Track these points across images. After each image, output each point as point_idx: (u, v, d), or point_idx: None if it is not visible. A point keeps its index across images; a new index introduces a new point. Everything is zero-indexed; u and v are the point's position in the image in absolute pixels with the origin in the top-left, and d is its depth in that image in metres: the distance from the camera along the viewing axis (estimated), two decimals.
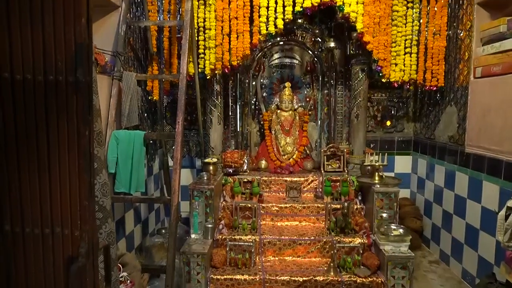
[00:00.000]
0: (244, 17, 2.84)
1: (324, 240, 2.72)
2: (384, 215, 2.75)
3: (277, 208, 3.02)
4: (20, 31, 0.87)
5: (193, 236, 2.72)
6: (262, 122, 3.71)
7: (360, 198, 3.06)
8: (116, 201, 2.53)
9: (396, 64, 3.05)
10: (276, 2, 2.78)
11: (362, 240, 2.69)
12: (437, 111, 3.24)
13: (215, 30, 2.90)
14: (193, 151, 3.79)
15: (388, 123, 3.72)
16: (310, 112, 3.74)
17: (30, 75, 0.87)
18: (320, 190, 3.18)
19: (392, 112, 3.71)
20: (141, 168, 2.60)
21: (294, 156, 3.53)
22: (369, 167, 3.02)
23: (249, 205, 2.94)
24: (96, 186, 1.22)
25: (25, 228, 0.91)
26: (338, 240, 2.69)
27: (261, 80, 3.76)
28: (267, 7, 2.79)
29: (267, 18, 2.81)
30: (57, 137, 0.88)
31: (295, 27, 3.46)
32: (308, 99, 3.77)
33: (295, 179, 3.27)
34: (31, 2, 0.86)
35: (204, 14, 2.93)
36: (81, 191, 0.90)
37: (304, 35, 3.58)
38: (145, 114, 3.26)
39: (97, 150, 1.21)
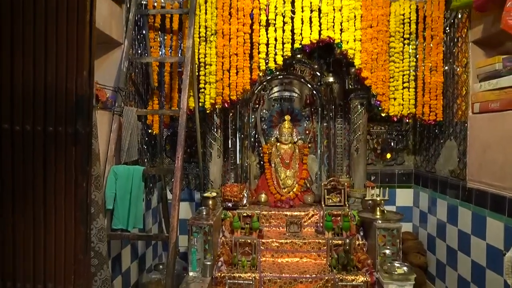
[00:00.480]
0: (244, 53, 2.89)
1: (326, 278, 2.64)
2: (387, 251, 2.69)
3: (277, 244, 2.95)
4: (22, 82, 0.87)
5: (191, 273, 2.64)
6: (261, 155, 3.70)
7: (362, 233, 3.01)
8: (113, 238, 2.47)
9: (394, 99, 3.08)
10: (275, 39, 2.85)
11: (365, 278, 2.61)
12: (437, 145, 3.24)
13: (216, 65, 2.95)
14: (192, 184, 3.75)
15: (388, 155, 3.71)
16: (309, 145, 3.75)
17: (30, 126, 0.87)
18: (321, 224, 3.13)
19: (392, 144, 3.71)
20: (139, 204, 2.56)
21: (294, 190, 3.49)
22: (370, 202, 2.98)
23: (249, 241, 2.87)
24: (93, 232, 1.20)
25: (16, 283, 0.87)
26: (340, 278, 2.61)
27: (261, 113, 3.79)
28: (267, 44, 2.85)
29: (267, 54, 2.86)
30: (54, 188, 0.87)
31: (294, 62, 3.52)
32: (307, 132, 3.79)
33: (296, 213, 3.23)
34: (35, 54, 0.87)
35: (205, 50, 2.99)
36: (76, 244, 0.87)
37: (303, 69, 3.64)
38: (145, 147, 3.26)
39: (95, 195, 1.19)
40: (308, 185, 3.63)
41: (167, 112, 3.09)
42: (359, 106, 3.27)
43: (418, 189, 3.60)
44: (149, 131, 3.26)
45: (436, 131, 3.24)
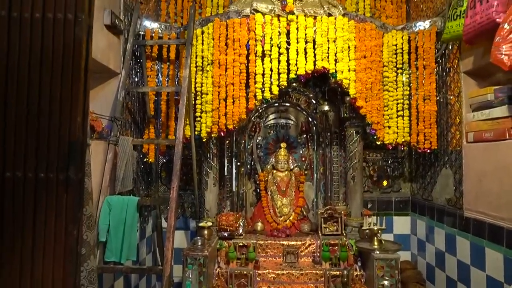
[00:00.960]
0: (240, 83, 2.92)
1: None
2: (386, 283, 2.64)
3: (274, 275, 2.89)
4: (15, 128, 0.86)
5: None
6: (258, 182, 3.68)
7: (359, 264, 2.96)
8: (105, 271, 2.40)
9: (389, 127, 3.11)
10: (271, 70, 2.89)
11: None
12: (432, 173, 3.25)
13: (212, 95, 2.97)
14: (188, 212, 3.71)
15: (385, 183, 3.70)
16: (306, 172, 3.74)
17: (21, 173, 0.85)
18: (318, 254, 3.07)
19: (388, 172, 3.71)
20: (133, 235, 2.51)
21: (291, 218, 3.46)
22: (367, 231, 2.95)
23: (245, 272, 2.81)
24: (83, 274, 1.16)
25: None
26: None
27: (257, 140, 3.80)
28: (263, 74, 2.89)
29: (263, 84, 2.89)
30: (43, 237, 0.85)
31: (289, 90, 3.56)
32: (303, 159, 3.78)
33: (292, 242, 3.18)
34: (28, 99, 0.87)
35: (202, 79, 3.02)
36: None
37: (298, 97, 3.68)
38: (140, 174, 3.23)
39: (87, 235, 1.17)
40: (304, 213, 3.59)
41: (163, 142, 3.08)
42: (354, 134, 3.28)
43: (415, 217, 3.57)
44: (145, 159, 3.24)
45: (432, 159, 3.25)
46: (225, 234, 3.13)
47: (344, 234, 3.16)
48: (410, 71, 3.17)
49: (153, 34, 3.13)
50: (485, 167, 2.50)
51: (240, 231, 3.22)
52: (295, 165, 3.67)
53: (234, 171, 3.57)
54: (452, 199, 2.90)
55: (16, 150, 0.86)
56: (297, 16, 2.90)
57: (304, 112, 3.73)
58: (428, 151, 3.10)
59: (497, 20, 2.10)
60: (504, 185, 2.29)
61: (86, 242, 1.15)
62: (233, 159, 3.57)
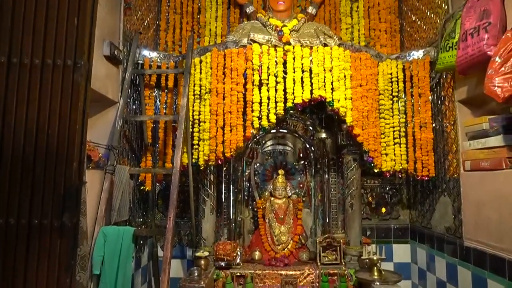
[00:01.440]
0: (238, 111, 2.94)
1: None
2: None
3: None
4: (9, 174, 0.86)
5: None
6: (255, 209, 3.64)
7: None
8: None
9: (386, 154, 3.11)
10: (268, 98, 2.91)
11: None
12: (431, 200, 3.23)
13: (210, 123, 2.98)
14: (185, 240, 3.65)
15: (383, 210, 3.68)
16: (304, 199, 3.71)
17: (14, 219, 0.84)
18: (317, 285, 3.01)
19: (386, 198, 3.69)
20: (128, 267, 2.46)
21: (289, 246, 3.40)
22: (367, 260, 2.90)
23: None
24: None
25: None
26: None
27: (255, 167, 3.78)
28: (260, 103, 2.91)
29: (260, 112, 2.91)
30: (35, 285, 0.82)
31: (287, 116, 3.58)
32: (301, 186, 3.77)
33: (291, 272, 3.11)
34: (25, 143, 0.86)
35: (199, 107, 3.04)
36: None
37: (295, 123, 3.70)
38: (136, 202, 3.20)
39: (80, 276, 1.14)
40: (303, 241, 3.54)
41: (160, 171, 3.07)
42: (352, 162, 3.29)
43: (415, 244, 3.53)
44: (142, 187, 3.21)
45: (430, 186, 3.25)
46: (222, 263, 3.07)
47: (343, 263, 3.10)
48: (405, 99, 3.21)
49: (151, 63, 3.18)
50: (484, 196, 2.49)
51: (238, 260, 3.17)
52: (293, 192, 3.65)
53: (231, 198, 3.54)
54: (451, 227, 2.87)
55: (10, 196, 0.85)
56: (293, 46, 2.95)
57: (301, 138, 3.74)
58: (426, 178, 3.09)
59: (488, 53, 2.15)
60: (503, 215, 2.27)
61: (79, 284, 1.12)
62: (231, 185, 3.55)
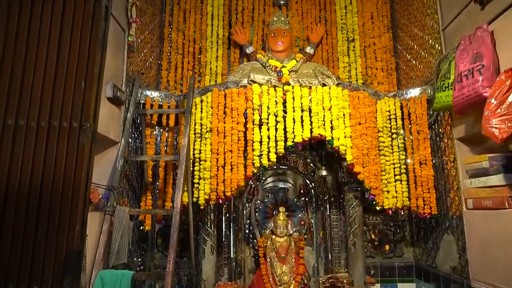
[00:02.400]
0: (239, 150, 2.96)
1: None
2: None
3: None
4: (11, 240, 0.85)
5: None
6: (256, 248, 3.57)
7: None
8: None
9: (388, 191, 3.10)
10: (268, 137, 2.94)
11: None
12: (434, 238, 3.18)
13: (210, 161, 2.99)
14: (184, 281, 3.55)
15: (387, 247, 3.61)
16: (305, 236, 3.65)
17: (13, 286, 0.82)
18: None
19: (389, 235, 3.63)
20: None
21: (291, 287, 3.30)
22: None
23: None
24: None
25: None
26: None
27: (255, 204, 3.75)
28: (260, 142, 2.94)
29: (261, 151, 2.93)
30: None
31: (287, 153, 3.60)
32: (302, 223, 3.72)
33: None
34: (27, 208, 0.86)
35: (200, 146, 3.06)
36: None
37: (296, 160, 3.71)
38: (135, 242, 3.14)
39: None
40: (305, 281, 3.44)
41: (160, 212, 3.04)
42: (353, 199, 3.27)
43: (421, 283, 3.44)
44: (141, 227, 3.17)
45: (433, 223, 3.21)
46: None
47: None
48: (404, 136, 3.24)
49: (153, 102, 3.23)
50: (488, 236, 2.45)
51: None
52: (294, 229, 3.58)
53: (232, 236, 3.48)
54: (457, 267, 2.81)
55: (11, 261, 0.84)
56: (293, 87, 3.02)
57: (302, 175, 3.74)
58: (429, 216, 3.06)
59: (484, 94, 2.20)
60: (509, 256, 2.23)
61: None
62: (231, 223, 3.50)
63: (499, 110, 2.04)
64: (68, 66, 0.86)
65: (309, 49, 3.77)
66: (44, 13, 0.90)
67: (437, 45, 3.08)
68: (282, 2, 4.07)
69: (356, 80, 3.82)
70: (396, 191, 3.11)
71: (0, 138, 0.85)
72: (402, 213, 3.28)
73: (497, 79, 2.12)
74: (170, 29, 3.99)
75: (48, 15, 0.91)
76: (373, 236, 3.65)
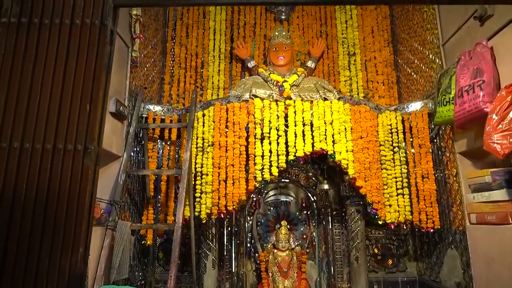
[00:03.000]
0: (240, 164, 2.96)
1: None
2: None
3: None
4: (15, 259, 0.85)
5: None
6: (258, 262, 3.55)
7: None
8: None
9: (390, 205, 3.09)
10: (270, 151, 2.94)
11: None
12: (438, 253, 3.15)
13: (212, 176, 2.99)
14: None
15: (390, 261, 3.57)
16: (307, 250, 3.63)
17: None
18: None
19: (392, 250, 3.60)
20: None
21: None
22: None
23: None
24: None
25: None
26: None
27: (257, 217, 3.74)
28: (262, 156, 2.94)
29: (262, 166, 2.93)
30: None
31: (288, 167, 3.60)
32: (304, 236, 3.70)
33: None
34: (32, 229, 0.86)
35: (202, 160, 3.06)
36: None
37: (298, 173, 3.71)
38: (136, 256, 3.12)
39: None
40: None
41: (162, 227, 3.03)
42: (355, 213, 3.25)
43: None
44: (143, 241, 3.16)
45: (436, 237, 3.18)
46: None
47: None
48: (406, 149, 3.24)
49: (155, 116, 3.24)
50: (492, 251, 2.43)
51: None
52: (296, 243, 3.56)
53: (233, 250, 3.46)
54: (461, 283, 2.78)
55: (14, 282, 0.84)
56: (294, 101, 3.04)
57: (304, 188, 3.73)
58: (432, 230, 3.04)
59: (485, 109, 2.21)
60: None
61: None
62: (233, 237, 3.48)
63: (500, 126, 2.04)
64: (74, 90, 0.87)
65: (310, 63, 3.80)
66: (51, 37, 0.92)
67: (437, 60, 3.11)
68: (283, 17, 4.12)
69: (357, 94, 3.84)
70: (398, 205, 3.09)
71: (6, 160, 0.86)
72: (405, 227, 3.26)
73: (498, 94, 2.13)
74: (173, 44, 4.04)
75: (55, 40, 0.93)
76: (376, 250, 3.62)
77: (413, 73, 3.60)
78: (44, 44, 0.94)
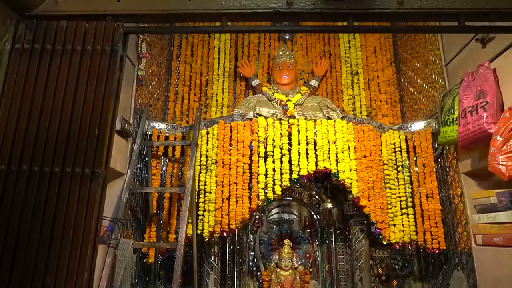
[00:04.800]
0: (244, 182, 2.96)
1: None
2: None
3: None
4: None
5: None
6: (260, 281, 3.50)
7: None
8: None
9: (394, 225, 3.06)
10: (274, 170, 2.94)
11: None
12: (444, 274, 3.10)
13: (215, 194, 2.99)
14: None
15: (394, 282, 3.51)
16: (311, 269, 3.58)
17: None
18: None
19: (397, 270, 3.54)
20: None
21: None
22: None
23: None
24: None
25: None
26: None
27: (260, 235, 3.70)
28: (265, 175, 2.94)
29: (266, 184, 2.92)
30: None
31: (292, 185, 3.58)
32: (307, 255, 3.65)
33: None
34: (36, 257, 0.86)
35: (205, 178, 3.06)
36: None
37: (301, 191, 3.69)
38: (138, 274, 3.09)
39: None
40: None
41: (164, 245, 3.01)
42: (359, 233, 3.22)
43: None
44: (144, 259, 3.13)
45: (441, 258, 3.13)
46: None
47: None
48: (410, 167, 3.23)
49: (160, 134, 3.27)
50: (500, 273, 2.39)
51: None
52: (299, 263, 3.52)
53: (236, 269, 3.42)
54: None
55: None
56: (298, 120, 3.06)
57: (307, 206, 3.70)
58: (437, 251, 2.99)
59: (489, 130, 2.21)
60: None
61: None
62: (235, 256, 3.45)
63: (505, 147, 2.04)
64: (83, 115, 0.89)
65: (313, 82, 3.83)
66: (62, 63, 0.94)
67: (440, 80, 3.13)
68: (287, 37, 4.18)
69: (361, 112, 3.86)
70: (403, 225, 3.06)
71: (14, 183, 0.86)
72: (410, 247, 3.22)
73: (502, 116, 2.14)
74: (178, 62, 4.10)
75: (66, 65, 0.95)
76: (380, 270, 3.56)
77: (416, 93, 3.62)
78: (56, 69, 0.96)
